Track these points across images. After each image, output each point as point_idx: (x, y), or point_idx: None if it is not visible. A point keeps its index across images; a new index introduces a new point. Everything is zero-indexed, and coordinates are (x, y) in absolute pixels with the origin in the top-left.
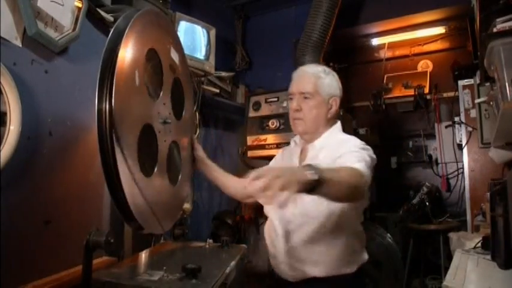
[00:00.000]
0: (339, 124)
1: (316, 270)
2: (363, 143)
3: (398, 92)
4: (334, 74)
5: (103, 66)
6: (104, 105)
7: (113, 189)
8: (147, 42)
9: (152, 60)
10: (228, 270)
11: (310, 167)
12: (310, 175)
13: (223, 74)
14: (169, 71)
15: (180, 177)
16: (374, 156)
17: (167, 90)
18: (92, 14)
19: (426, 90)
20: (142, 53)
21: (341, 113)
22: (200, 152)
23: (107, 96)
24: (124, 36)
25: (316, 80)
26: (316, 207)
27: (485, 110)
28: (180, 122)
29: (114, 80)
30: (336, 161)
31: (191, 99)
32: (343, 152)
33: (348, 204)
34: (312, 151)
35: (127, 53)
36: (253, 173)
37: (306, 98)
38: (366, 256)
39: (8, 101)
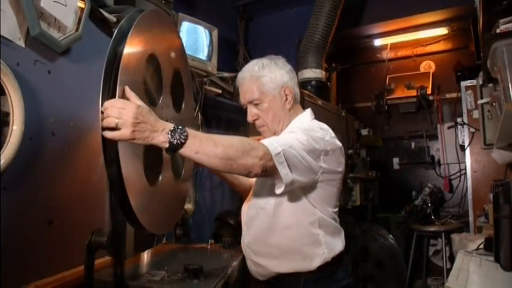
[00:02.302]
0: (306, 113)
1: (275, 265)
2: (315, 125)
3: (401, 92)
4: (276, 61)
5: (107, 67)
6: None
7: (115, 189)
8: (151, 43)
9: (155, 61)
10: (229, 270)
11: (175, 131)
12: (164, 140)
13: (226, 74)
14: (171, 72)
15: (181, 177)
16: (323, 137)
17: (169, 91)
18: (94, 15)
19: (429, 91)
20: (146, 54)
21: (343, 113)
22: None
23: (110, 97)
24: (128, 37)
25: (257, 82)
26: (265, 197)
27: (488, 111)
28: (183, 124)
29: (118, 81)
30: None
31: (192, 100)
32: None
33: (297, 194)
34: None
35: (131, 54)
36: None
37: (256, 104)
38: (338, 247)
39: (11, 101)
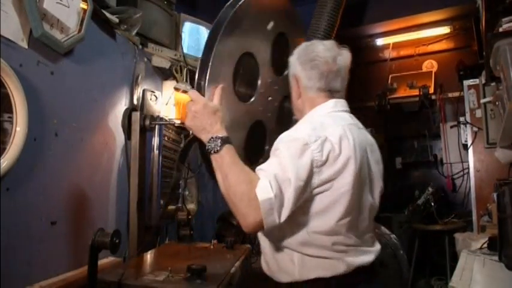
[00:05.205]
0: (320, 107)
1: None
2: (308, 129)
3: (403, 92)
4: (305, 47)
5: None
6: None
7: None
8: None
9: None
10: (233, 270)
11: (215, 140)
12: (205, 142)
13: None
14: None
15: None
16: (307, 145)
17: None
18: (97, 16)
19: (431, 90)
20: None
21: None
22: None
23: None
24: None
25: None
26: None
27: (491, 110)
28: None
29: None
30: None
31: None
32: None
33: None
34: None
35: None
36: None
37: None
38: (309, 274)
39: (14, 103)
